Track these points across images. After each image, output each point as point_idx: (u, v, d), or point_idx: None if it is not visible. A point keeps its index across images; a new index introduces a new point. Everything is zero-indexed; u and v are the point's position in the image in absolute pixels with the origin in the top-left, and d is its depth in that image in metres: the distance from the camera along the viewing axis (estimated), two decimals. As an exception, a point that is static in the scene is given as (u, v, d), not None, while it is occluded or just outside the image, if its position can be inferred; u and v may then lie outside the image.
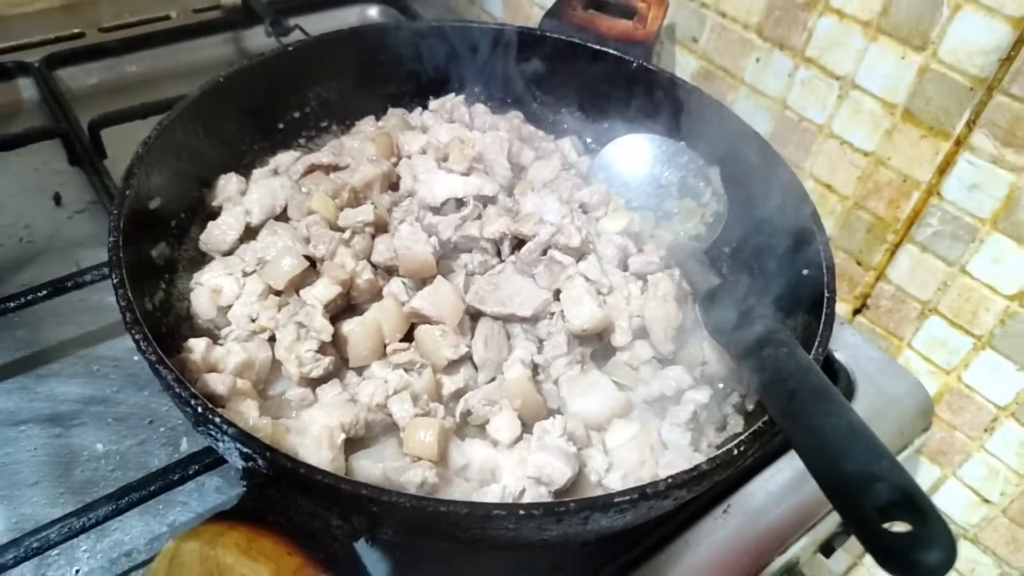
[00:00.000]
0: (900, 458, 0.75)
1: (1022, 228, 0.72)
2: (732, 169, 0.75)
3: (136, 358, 0.71)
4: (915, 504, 0.36)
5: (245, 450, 0.43)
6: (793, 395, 0.44)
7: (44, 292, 0.66)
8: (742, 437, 0.47)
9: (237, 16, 1.09)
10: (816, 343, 0.53)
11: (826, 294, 0.57)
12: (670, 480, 0.44)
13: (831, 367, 0.76)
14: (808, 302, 0.60)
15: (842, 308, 0.90)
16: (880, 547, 0.36)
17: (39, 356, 0.70)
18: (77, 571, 0.57)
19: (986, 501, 0.87)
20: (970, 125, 0.72)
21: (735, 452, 0.46)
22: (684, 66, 0.96)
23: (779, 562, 0.65)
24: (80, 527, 0.51)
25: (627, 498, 0.43)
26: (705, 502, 0.63)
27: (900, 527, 0.36)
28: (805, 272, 0.62)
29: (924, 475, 0.93)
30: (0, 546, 0.50)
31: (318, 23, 1.13)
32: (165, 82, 1.03)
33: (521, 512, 0.42)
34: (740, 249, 0.73)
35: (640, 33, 0.85)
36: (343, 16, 1.18)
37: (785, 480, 0.67)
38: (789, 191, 0.66)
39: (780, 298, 0.65)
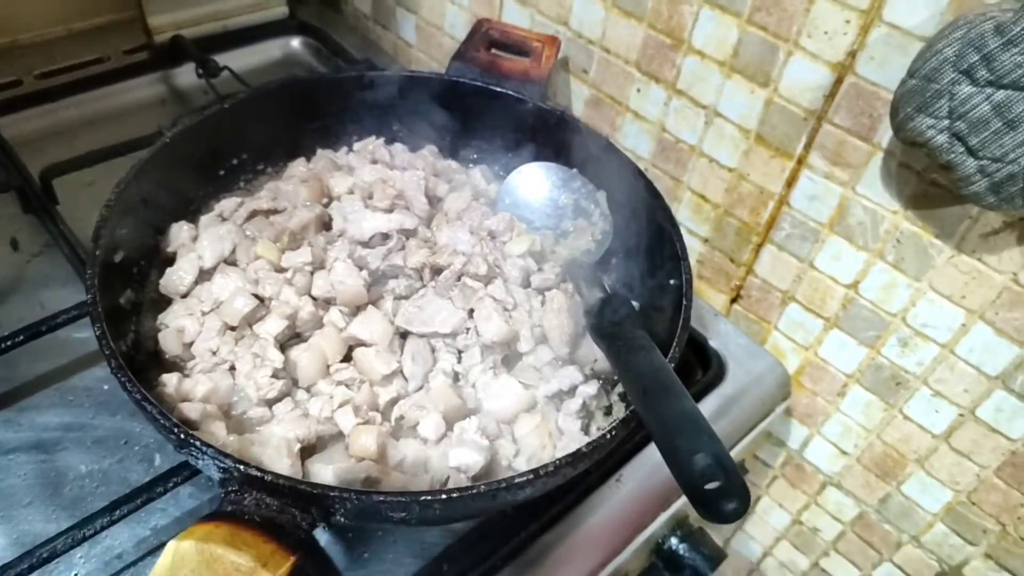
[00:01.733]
0: (765, 422, 0.92)
1: (852, 231, 0.87)
2: (616, 193, 0.88)
3: (106, 387, 0.81)
4: (723, 467, 0.50)
5: (222, 465, 0.54)
6: (646, 390, 0.58)
7: (21, 338, 0.74)
8: (614, 424, 0.61)
9: (166, 55, 1.17)
10: (674, 342, 0.67)
11: (684, 302, 0.71)
12: (557, 461, 0.58)
13: (705, 353, 0.91)
14: (674, 306, 0.75)
15: (720, 299, 1.06)
16: (699, 499, 0.49)
17: (18, 391, 0.79)
18: (75, 575, 0.68)
19: (844, 453, 1.04)
20: (807, 147, 0.87)
21: (607, 436, 0.60)
22: (578, 93, 1.09)
23: (664, 516, 0.79)
24: (82, 537, 0.62)
25: (525, 478, 0.56)
26: (601, 473, 0.77)
27: (713, 484, 0.51)
28: (672, 282, 0.77)
29: (796, 434, 1.10)
30: (15, 559, 0.60)
31: (244, 58, 1.23)
32: (105, 124, 1.10)
33: (443, 496, 0.55)
34: (623, 262, 0.87)
35: (536, 72, 0.97)
36: (267, 50, 1.27)
37: None
38: (660, 215, 0.80)
39: (652, 304, 0.80)
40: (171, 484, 0.66)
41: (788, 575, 1.23)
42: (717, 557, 0.84)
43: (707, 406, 0.87)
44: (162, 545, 0.69)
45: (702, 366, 0.91)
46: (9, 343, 0.74)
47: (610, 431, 0.60)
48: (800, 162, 0.89)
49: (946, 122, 0.67)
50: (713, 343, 0.93)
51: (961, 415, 0.88)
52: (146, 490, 0.65)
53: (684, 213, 1.04)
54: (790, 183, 0.91)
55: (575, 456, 0.58)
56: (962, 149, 0.67)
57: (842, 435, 1.03)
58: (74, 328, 0.79)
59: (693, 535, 0.85)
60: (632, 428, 0.62)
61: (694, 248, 1.05)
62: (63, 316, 0.76)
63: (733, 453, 0.89)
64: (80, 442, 0.76)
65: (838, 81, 0.82)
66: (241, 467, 0.54)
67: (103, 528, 0.63)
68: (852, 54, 0.79)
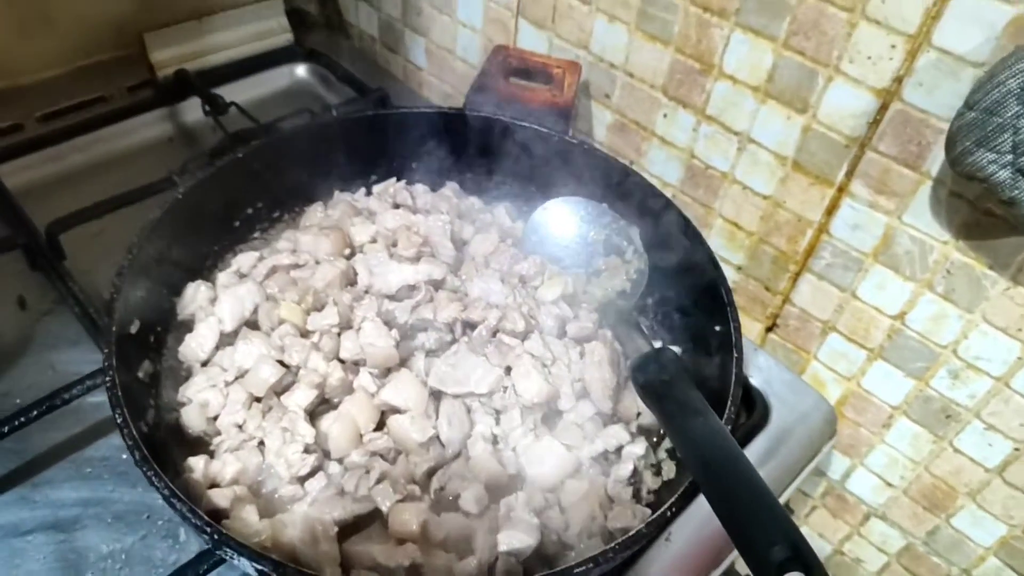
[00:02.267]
0: (814, 462, 0.88)
1: (898, 261, 0.83)
2: (649, 229, 0.84)
3: (124, 456, 0.77)
4: (804, 561, 0.46)
5: (261, 567, 0.50)
6: (708, 464, 0.54)
7: (34, 413, 0.71)
8: (672, 500, 0.57)
9: (170, 90, 1.13)
10: (728, 401, 0.63)
11: (735, 354, 0.67)
12: (616, 546, 0.54)
13: (748, 394, 0.87)
14: (719, 352, 0.71)
15: (755, 328, 1.02)
16: (780, 598, 0.46)
17: (32, 465, 0.75)
18: (105, 668, 0.64)
19: (889, 485, 1.01)
20: (848, 175, 0.83)
21: (667, 515, 0.56)
22: (601, 119, 1.04)
23: (716, 573, 0.75)
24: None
25: (583, 569, 0.52)
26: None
27: (795, 577, 0.47)
28: (717, 328, 0.73)
29: (837, 465, 1.06)
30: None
31: (251, 89, 1.19)
32: (111, 167, 1.06)
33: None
34: (662, 303, 0.83)
35: (559, 100, 0.93)
36: (274, 79, 1.23)
37: None
38: (700, 255, 0.76)
39: (695, 349, 0.76)
40: (202, 571, 0.62)
41: (831, 606, 1.19)
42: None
43: (754, 449, 0.84)
44: (193, 630, 0.66)
45: (746, 407, 0.87)
46: (22, 419, 0.70)
47: (670, 508, 0.56)
48: (841, 190, 0.85)
49: (1009, 157, 0.63)
50: (754, 380, 0.89)
51: (1016, 449, 0.84)
52: (176, 579, 0.61)
53: (716, 241, 1.00)
54: (830, 211, 0.87)
55: (634, 538, 0.54)
56: (1027, 184, 0.64)
57: (888, 467, 0.99)
58: (88, 394, 0.75)
59: (743, 585, 0.82)
60: (689, 498, 0.58)
61: (727, 276, 1.01)
62: (77, 388, 0.72)
63: (782, 498, 0.85)
64: (100, 518, 0.72)
65: (883, 107, 0.77)
66: (280, 570, 0.50)
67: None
68: (899, 80, 0.75)
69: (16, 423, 0.70)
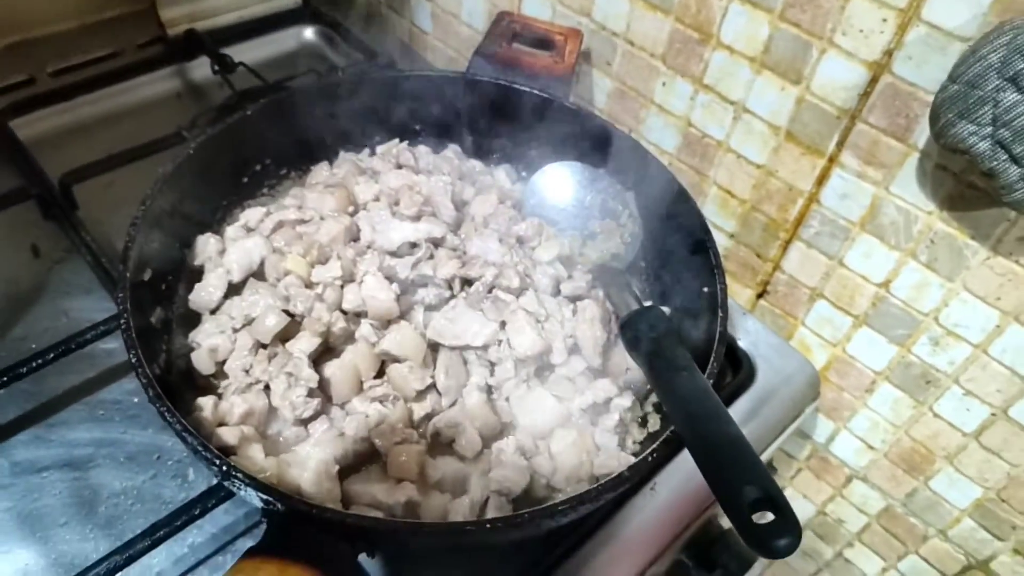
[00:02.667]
0: (796, 423, 0.91)
1: (884, 230, 0.86)
2: (644, 194, 0.87)
3: (136, 400, 0.80)
4: (775, 502, 0.50)
5: (266, 498, 0.54)
6: (690, 415, 0.57)
7: (51, 355, 0.74)
8: (654, 446, 0.61)
9: (181, 48, 1.15)
10: (711, 358, 0.67)
11: (720, 314, 0.70)
12: (600, 486, 0.57)
13: (735, 354, 0.91)
14: (707, 313, 0.74)
15: (746, 293, 1.05)
16: (749, 533, 0.49)
17: (47, 407, 0.79)
18: (116, 594, 0.68)
19: (871, 448, 1.04)
20: (839, 146, 0.85)
21: (649, 459, 0.59)
22: (601, 86, 1.06)
23: (699, 522, 0.79)
24: (124, 562, 0.62)
25: (568, 505, 0.56)
26: (636, 483, 0.77)
27: (764, 518, 0.50)
28: (705, 290, 0.76)
29: (822, 428, 1.09)
30: (60, 586, 0.61)
31: (259, 49, 1.20)
32: (122, 120, 1.09)
33: (488, 526, 0.55)
34: (654, 265, 0.86)
35: (559, 67, 0.95)
36: (282, 40, 1.24)
37: None
38: (691, 220, 0.79)
39: (684, 309, 0.79)
40: (209, 506, 0.66)
41: (812, 563, 1.24)
42: (749, 558, 0.84)
43: (738, 408, 0.87)
44: (200, 563, 0.70)
45: (732, 367, 0.91)
46: (39, 361, 0.74)
47: (651, 453, 0.60)
48: (832, 160, 0.87)
49: (989, 129, 0.66)
50: (742, 342, 0.93)
51: (993, 414, 0.88)
52: (184, 512, 0.65)
53: (710, 208, 1.02)
54: (820, 181, 0.89)
55: (616, 480, 0.58)
56: (1005, 157, 0.66)
57: (869, 430, 1.03)
58: (100, 340, 0.79)
59: (725, 536, 0.85)
60: (672, 448, 0.61)
61: (719, 243, 1.03)
62: (91, 332, 0.75)
63: (764, 455, 0.89)
64: (112, 458, 0.76)
65: (873, 80, 0.79)
66: (286, 499, 0.53)
67: (143, 553, 0.63)
68: (889, 53, 0.77)
69: (32, 365, 0.73)
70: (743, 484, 0.51)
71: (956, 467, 0.95)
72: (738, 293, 1.05)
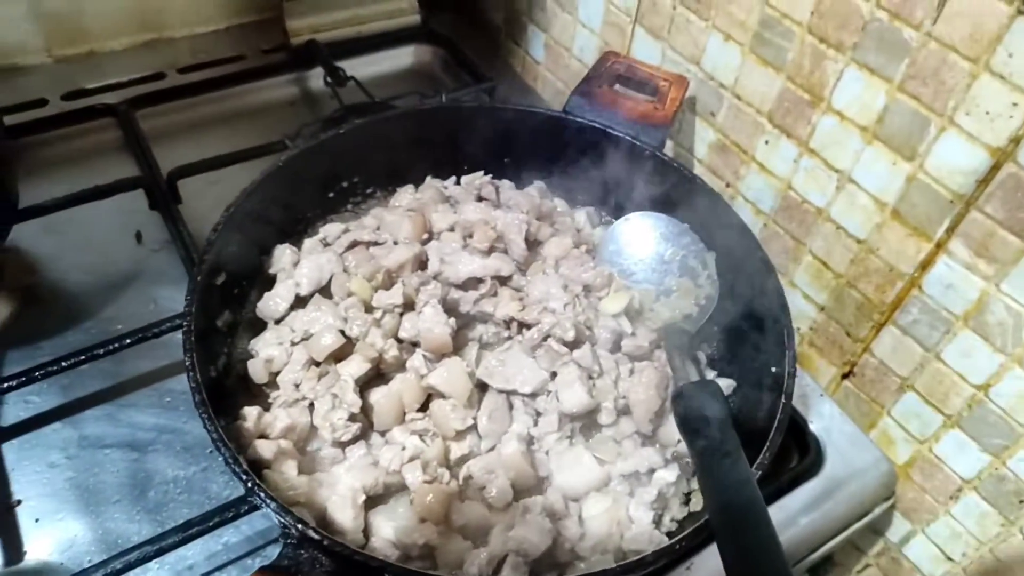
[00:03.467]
0: (863, 522, 0.85)
1: (989, 329, 0.78)
2: (727, 258, 0.83)
3: (200, 395, 0.84)
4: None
5: (283, 520, 0.55)
6: (724, 507, 0.54)
7: (128, 340, 0.78)
8: (685, 532, 0.57)
9: (301, 57, 1.20)
10: (765, 447, 0.63)
11: (782, 400, 0.66)
12: (618, 567, 0.55)
13: (804, 437, 0.85)
14: (772, 396, 0.70)
15: (830, 372, 0.98)
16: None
17: (122, 387, 0.83)
18: (149, 579, 0.71)
19: (949, 559, 0.95)
20: (949, 232, 0.79)
21: (676, 547, 0.56)
22: (703, 136, 1.03)
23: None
24: (154, 553, 0.64)
25: (581, 582, 0.54)
26: (671, 561, 0.73)
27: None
28: (773, 370, 0.71)
29: (897, 527, 1.01)
30: (93, 565, 0.64)
31: (375, 65, 1.25)
32: (237, 121, 1.15)
33: (493, 592, 0.53)
34: (724, 334, 0.82)
35: (659, 115, 0.93)
36: (397, 57, 1.28)
37: None
38: (771, 295, 0.75)
39: (749, 384, 0.75)
40: (242, 511, 0.68)
41: (869, 669, 1.14)
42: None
43: (799, 496, 0.82)
44: (231, 562, 0.72)
45: (799, 449, 0.85)
46: (117, 345, 0.78)
47: (680, 540, 0.57)
48: (939, 246, 0.80)
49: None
50: (814, 426, 0.87)
51: (1093, 550, 0.78)
52: (218, 514, 0.67)
53: (802, 277, 0.97)
54: (925, 266, 0.82)
55: (638, 563, 0.55)
56: None
57: (949, 539, 0.94)
58: (176, 332, 0.82)
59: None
60: (705, 537, 0.58)
61: (808, 314, 0.98)
62: (167, 324, 0.79)
63: (823, 550, 0.83)
64: (170, 446, 0.80)
65: (995, 167, 0.73)
66: (299, 526, 0.54)
67: (174, 547, 0.65)
68: (1016, 141, 0.70)
69: (111, 347, 0.78)
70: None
71: (1045, 599, 0.85)
72: (821, 371, 0.99)
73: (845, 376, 0.97)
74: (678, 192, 0.86)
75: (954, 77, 0.72)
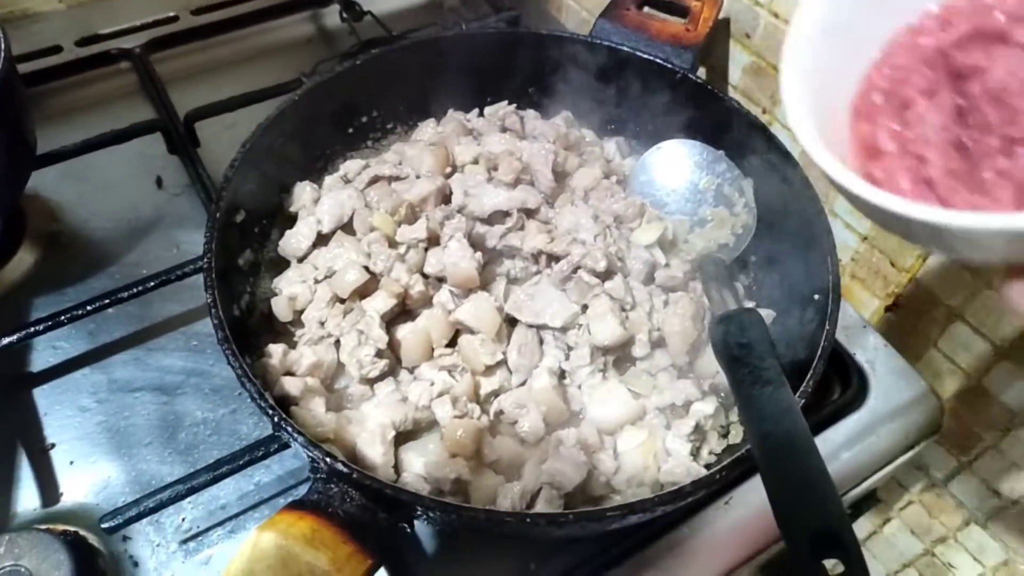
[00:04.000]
0: (906, 456, 0.82)
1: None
2: (766, 184, 0.79)
3: (228, 335, 0.83)
4: (847, 551, 0.44)
5: (311, 454, 0.54)
6: (766, 436, 0.51)
7: (152, 283, 0.77)
8: (725, 462, 0.55)
9: (316, -7, 1.16)
10: (809, 374, 0.60)
11: (826, 326, 0.63)
12: (655, 498, 0.53)
13: (847, 369, 0.82)
14: (816, 324, 0.66)
15: (873, 304, 0.94)
16: (811, 579, 0.44)
17: (148, 331, 0.83)
18: (183, 519, 0.71)
19: (997, 494, 0.93)
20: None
21: (716, 478, 0.54)
22: (737, 59, 0.98)
23: (774, 549, 0.73)
24: (185, 491, 0.64)
25: (617, 513, 0.52)
26: (709, 494, 0.71)
27: (832, 565, 0.44)
28: (816, 297, 0.68)
29: (942, 462, 0.98)
30: (125, 505, 0.64)
31: (388, 1, 1.20)
32: (253, 62, 1.12)
33: (527, 520, 0.52)
34: (764, 263, 0.78)
35: (690, 35, 0.88)
36: (415, -10, 1.24)
37: None
38: (813, 217, 0.71)
39: (790, 316, 0.72)
40: (272, 450, 0.67)
41: (911, 605, 1.13)
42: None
43: (841, 429, 0.79)
44: (263, 502, 0.72)
45: (841, 382, 0.82)
46: (139, 288, 0.77)
47: (720, 471, 0.55)
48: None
49: None
50: (858, 357, 0.83)
51: None
52: (247, 453, 0.66)
53: (843, 205, 0.92)
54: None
55: (675, 494, 0.53)
56: None
57: (998, 474, 0.91)
58: (198, 275, 0.81)
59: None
60: (745, 468, 0.56)
61: (850, 245, 0.94)
62: (190, 267, 0.78)
63: (865, 485, 0.80)
64: (199, 388, 0.79)
65: None
66: (328, 459, 0.53)
67: (205, 486, 0.65)
68: None
69: (135, 291, 0.77)
70: (812, 524, 0.45)
71: (1100, 532, 0.82)
72: (864, 303, 0.95)
73: (889, 308, 0.93)
74: (713, 118, 0.82)
75: None
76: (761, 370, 0.57)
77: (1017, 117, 0.32)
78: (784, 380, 0.56)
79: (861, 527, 1.15)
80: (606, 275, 0.70)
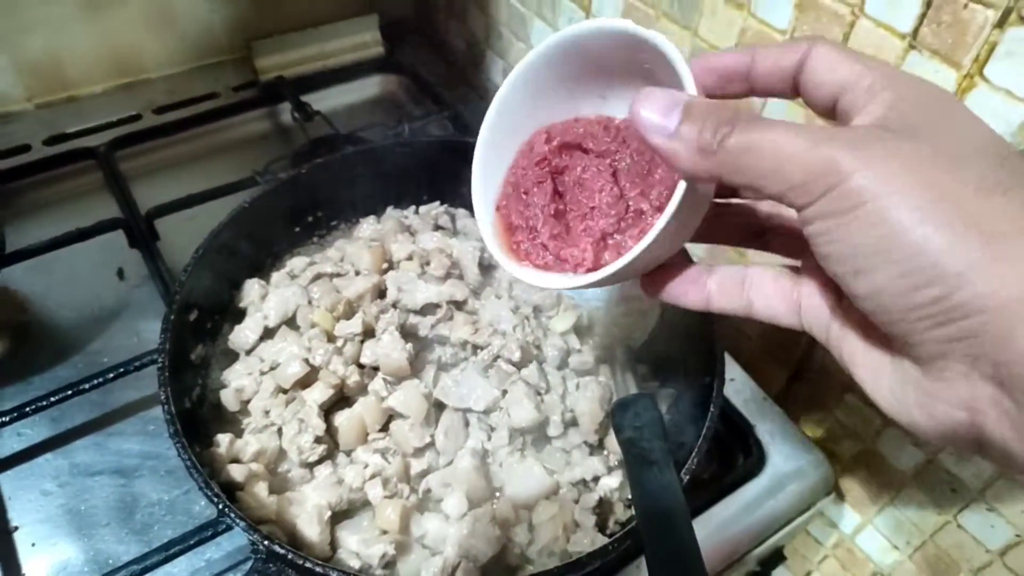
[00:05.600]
0: (803, 518, 0.90)
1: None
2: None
3: (183, 420, 0.90)
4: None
5: (251, 538, 0.61)
6: (648, 513, 0.59)
7: (112, 375, 0.84)
8: (617, 535, 0.63)
9: (270, 93, 1.26)
10: (693, 453, 0.68)
11: (711, 410, 0.72)
12: (554, 569, 0.61)
13: (747, 440, 0.91)
14: (704, 404, 0.75)
15: (781, 376, 1.04)
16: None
17: (108, 417, 0.89)
18: (137, 596, 0.77)
19: (895, 548, 1.01)
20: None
21: (609, 548, 0.62)
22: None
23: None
24: (140, 571, 0.70)
25: (520, 585, 0.59)
26: (621, 559, 0.79)
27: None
28: (706, 379, 0.77)
29: (848, 519, 1.07)
30: (83, 586, 0.70)
31: (341, 97, 1.30)
32: (212, 158, 1.20)
33: (441, 595, 0.59)
34: (665, 349, 0.87)
35: (604, 140, 0.98)
36: (364, 87, 1.34)
37: (709, 528, 0.83)
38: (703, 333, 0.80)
39: (687, 396, 0.81)
40: (220, 529, 0.73)
41: (833, 655, 1.20)
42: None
43: (744, 494, 0.87)
44: (213, 577, 0.78)
45: (744, 451, 0.91)
46: (102, 379, 0.84)
47: (612, 543, 0.62)
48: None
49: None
50: (759, 429, 0.92)
51: (1018, 536, 0.84)
52: (197, 533, 0.73)
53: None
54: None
55: (574, 564, 0.61)
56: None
57: (895, 529, 1.00)
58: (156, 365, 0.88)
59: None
60: (637, 539, 0.64)
61: (754, 331, 1.04)
62: (148, 358, 0.85)
63: (769, 543, 0.89)
64: (155, 471, 0.85)
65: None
66: (266, 542, 0.60)
67: (158, 564, 0.71)
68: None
69: (96, 382, 0.84)
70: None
71: (980, 583, 0.91)
72: (775, 374, 1.05)
73: (792, 378, 1.03)
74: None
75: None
76: (649, 451, 0.65)
77: (591, 195, 0.49)
78: (669, 461, 0.64)
79: (786, 581, 1.23)
80: (522, 363, 0.78)
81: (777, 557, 0.95)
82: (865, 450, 0.98)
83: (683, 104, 0.38)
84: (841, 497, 1.05)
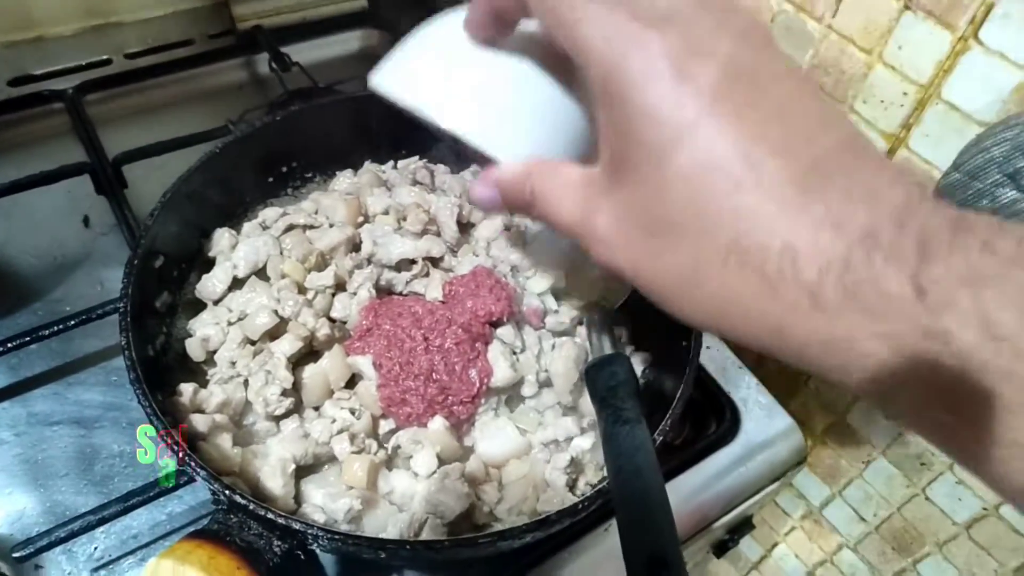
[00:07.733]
0: (774, 486, 0.90)
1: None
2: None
3: (146, 371, 0.87)
4: (674, 569, 0.51)
5: (211, 488, 0.59)
6: (619, 470, 0.58)
7: (73, 322, 0.81)
8: (586, 496, 0.62)
9: (247, 42, 1.22)
10: (667, 415, 0.67)
11: (687, 371, 0.71)
12: (522, 526, 0.59)
13: (721, 405, 0.90)
14: (682, 364, 0.74)
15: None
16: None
17: (69, 366, 0.87)
18: (96, 547, 0.74)
19: (863, 519, 1.02)
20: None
21: (578, 507, 0.61)
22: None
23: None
24: (97, 521, 0.68)
25: (488, 540, 0.58)
26: (590, 521, 0.78)
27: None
28: (683, 343, 0.76)
29: (816, 491, 1.08)
30: (37, 535, 0.67)
31: (321, 50, 1.26)
32: (185, 106, 1.17)
33: (407, 546, 0.58)
34: (642, 311, 0.86)
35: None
36: (345, 42, 1.30)
37: (680, 494, 0.82)
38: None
39: (664, 359, 0.80)
40: (182, 481, 0.71)
41: (796, 625, 1.22)
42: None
43: (716, 461, 0.87)
44: (174, 531, 0.76)
45: (717, 418, 0.90)
46: (62, 326, 0.81)
47: (583, 501, 0.61)
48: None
49: (987, 223, 0.64)
50: (733, 395, 0.92)
51: (985, 509, 0.85)
52: (158, 485, 0.71)
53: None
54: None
55: (541, 522, 0.60)
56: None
57: (863, 501, 1.01)
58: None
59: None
60: (608, 499, 0.63)
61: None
62: (110, 306, 0.82)
63: (738, 511, 0.89)
64: (116, 422, 0.83)
65: (890, 152, 0.78)
66: (227, 492, 0.58)
67: (116, 516, 0.69)
68: (907, 127, 0.75)
69: (57, 328, 0.81)
70: (648, 549, 0.52)
71: (945, 555, 0.92)
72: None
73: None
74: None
75: (852, 67, 0.77)
76: (622, 410, 0.64)
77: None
78: (642, 420, 0.63)
79: (752, 551, 1.24)
80: (498, 322, 0.77)
81: (746, 525, 0.95)
82: (836, 422, 0.99)
83: (495, 180, 0.47)
84: (811, 468, 1.05)
